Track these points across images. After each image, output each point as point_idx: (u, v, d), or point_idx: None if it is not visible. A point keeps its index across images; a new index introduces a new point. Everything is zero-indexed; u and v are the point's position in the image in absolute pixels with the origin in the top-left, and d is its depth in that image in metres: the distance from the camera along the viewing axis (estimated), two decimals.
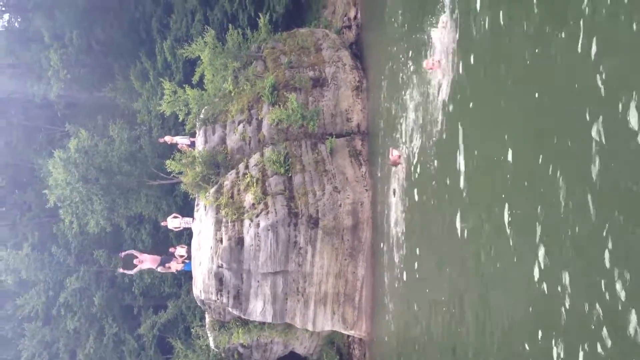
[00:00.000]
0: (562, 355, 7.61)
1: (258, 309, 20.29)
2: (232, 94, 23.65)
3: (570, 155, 7.43)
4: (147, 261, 25.58)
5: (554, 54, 7.91)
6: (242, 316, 21.05)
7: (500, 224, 9.43)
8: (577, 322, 7.32)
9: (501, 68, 9.66)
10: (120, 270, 27.45)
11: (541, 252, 8.14)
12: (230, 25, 25.02)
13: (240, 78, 23.99)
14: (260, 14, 25.92)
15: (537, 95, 8.29)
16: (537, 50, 8.34)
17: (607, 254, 6.63)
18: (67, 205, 29.78)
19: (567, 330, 7.55)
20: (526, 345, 8.63)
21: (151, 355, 34.17)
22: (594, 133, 6.78)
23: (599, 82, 6.69)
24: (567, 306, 7.51)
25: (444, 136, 12.71)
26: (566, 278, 7.58)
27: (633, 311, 6.18)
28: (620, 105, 6.26)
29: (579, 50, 7.26)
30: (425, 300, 14.37)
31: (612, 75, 6.53)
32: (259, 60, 24.41)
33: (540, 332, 8.23)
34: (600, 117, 6.66)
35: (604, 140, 6.60)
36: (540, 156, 8.14)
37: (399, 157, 16.50)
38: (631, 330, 6.20)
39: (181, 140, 27.38)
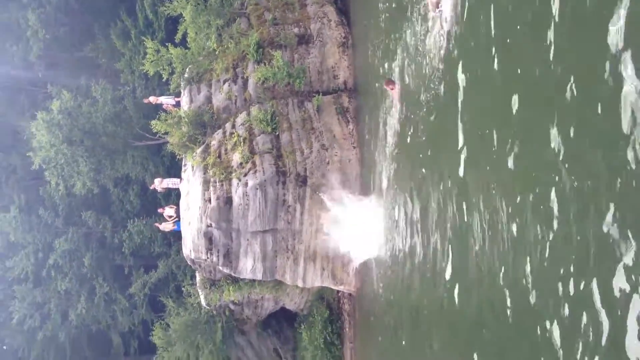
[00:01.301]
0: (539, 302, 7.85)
1: (248, 266, 20.53)
2: (217, 53, 23.34)
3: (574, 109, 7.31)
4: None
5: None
6: (233, 274, 21.32)
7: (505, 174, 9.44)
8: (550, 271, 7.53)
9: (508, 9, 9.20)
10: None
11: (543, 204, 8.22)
12: None
13: (224, 36, 23.65)
14: None
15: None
16: None
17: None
18: (52, 167, 29.62)
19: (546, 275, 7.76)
20: (508, 303, 8.87)
21: (143, 314, 34.63)
22: (599, 88, 6.63)
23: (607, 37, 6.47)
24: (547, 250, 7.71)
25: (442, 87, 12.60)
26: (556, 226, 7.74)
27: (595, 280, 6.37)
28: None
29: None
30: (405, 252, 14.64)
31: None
32: (242, 18, 24.02)
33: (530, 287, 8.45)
34: (609, 69, 6.42)
35: (611, 94, 6.40)
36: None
37: (394, 84, 15.90)
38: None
39: (166, 100, 27.09)
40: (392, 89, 15.82)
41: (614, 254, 6.29)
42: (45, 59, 35.84)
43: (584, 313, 6.83)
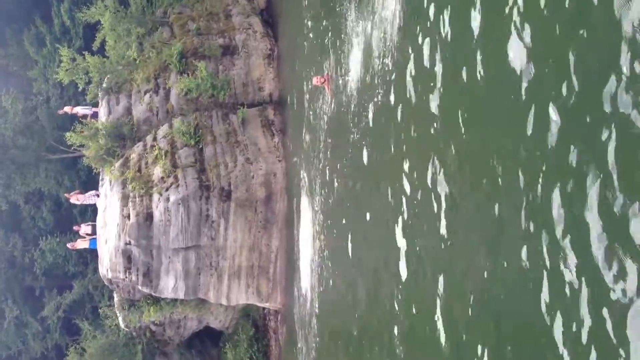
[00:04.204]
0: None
1: (170, 285, 19.66)
2: (137, 62, 22.43)
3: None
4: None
5: None
6: (153, 294, 20.38)
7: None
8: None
9: None
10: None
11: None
12: None
13: (146, 45, 22.79)
14: None
15: None
16: None
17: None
18: None
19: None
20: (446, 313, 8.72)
21: (57, 338, 32.65)
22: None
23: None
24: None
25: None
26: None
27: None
28: None
29: None
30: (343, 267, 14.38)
31: None
32: (165, 27, 23.27)
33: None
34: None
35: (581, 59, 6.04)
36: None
37: (324, 79, 15.34)
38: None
39: (82, 111, 25.79)
40: (322, 83, 15.32)
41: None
42: None
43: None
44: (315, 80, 15.47)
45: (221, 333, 26.59)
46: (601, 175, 5.35)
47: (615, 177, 5.20)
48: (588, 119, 5.56)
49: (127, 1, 23.38)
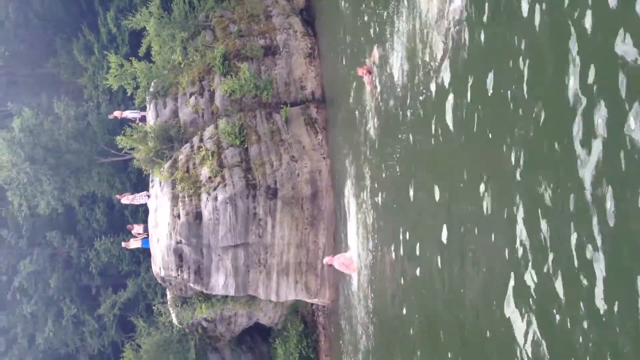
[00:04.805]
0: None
1: (220, 282, 20.12)
2: (182, 66, 22.97)
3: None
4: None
5: None
6: (204, 291, 20.87)
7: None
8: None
9: None
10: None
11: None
12: None
13: (189, 49, 23.31)
14: None
15: None
16: None
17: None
18: (14, 187, 28.74)
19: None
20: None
21: (113, 335, 33.71)
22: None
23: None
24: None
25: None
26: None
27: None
28: None
29: None
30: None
31: None
32: (207, 30, 23.73)
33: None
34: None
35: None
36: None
37: (368, 68, 15.36)
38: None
39: (131, 115, 26.58)
40: (365, 74, 15.32)
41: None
42: (5, 76, 34.98)
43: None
44: (360, 72, 15.52)
45: (271, 329, 26.94)
46: None
47: None
48: None
49: (170, 7, 23.93)
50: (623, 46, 5.71)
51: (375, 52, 15.05)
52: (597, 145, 6.12)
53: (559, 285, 6.85)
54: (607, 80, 5.98)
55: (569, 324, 6.66)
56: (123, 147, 23.57)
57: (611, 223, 5.92)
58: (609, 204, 5.95)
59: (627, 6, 5.64)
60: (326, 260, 18.67)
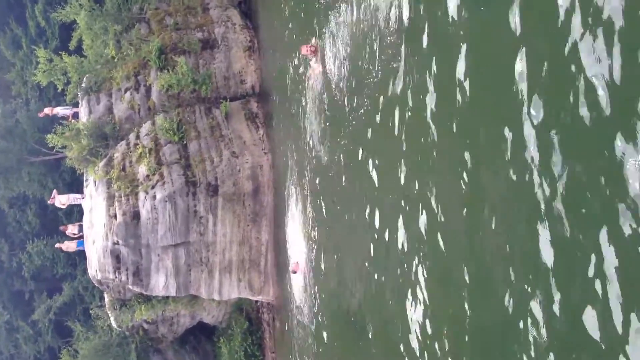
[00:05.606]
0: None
1: (160, 283, 19.59)
2: (116, 60, 22.17)
3: None
4: None
5: None
6: (144, 292, 20.29)
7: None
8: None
9: None
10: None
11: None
12: None
13: (123, 42, 22.53)
14: None
15: None
16: None
17: None
18: None
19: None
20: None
21: (49, 341, 32.50)
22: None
23: None
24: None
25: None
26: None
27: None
28: None
29: None
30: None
31: None
32: (142, 23, 22.98)
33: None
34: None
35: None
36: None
37: (314, 48, 15.05)
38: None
39: (63, 112, 25.47)
40: (312, 53, 14.96)
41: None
42: None
43: None
44: (304, 50, 15.07)
45: (215, 328, 26.54)
46: None
47: None
48: None
49: None
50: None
51: (315, 43, 14.88)
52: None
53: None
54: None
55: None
56: (54, 146, 22.58)
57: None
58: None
59: None
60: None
